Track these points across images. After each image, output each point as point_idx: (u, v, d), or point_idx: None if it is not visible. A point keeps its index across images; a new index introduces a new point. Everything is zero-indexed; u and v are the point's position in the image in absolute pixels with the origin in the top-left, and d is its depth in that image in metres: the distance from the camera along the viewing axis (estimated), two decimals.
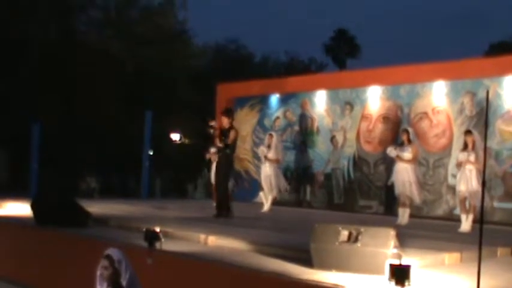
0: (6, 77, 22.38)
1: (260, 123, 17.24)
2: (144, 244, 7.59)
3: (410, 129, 11.99)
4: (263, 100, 17.27)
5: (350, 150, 15.15)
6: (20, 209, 12.61)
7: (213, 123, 12.39)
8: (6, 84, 22.24)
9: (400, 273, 5.60)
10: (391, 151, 11.59)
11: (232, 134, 11.50)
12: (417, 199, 11.65)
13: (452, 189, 11.90)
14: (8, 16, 22.70)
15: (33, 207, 10.76)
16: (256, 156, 16.00)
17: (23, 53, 23.00)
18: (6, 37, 22.33)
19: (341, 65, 40.23)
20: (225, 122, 11.64)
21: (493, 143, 12.38)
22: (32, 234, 10.23)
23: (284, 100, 16.84)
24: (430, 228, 10.85)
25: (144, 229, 7.87)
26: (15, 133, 21.73)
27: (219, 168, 11.70)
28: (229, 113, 12.01)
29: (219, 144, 11.58)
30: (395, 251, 6.28)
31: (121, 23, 26.20)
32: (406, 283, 5.58)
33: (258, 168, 15.31)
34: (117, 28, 26.09)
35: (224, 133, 11.54)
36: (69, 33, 24.93)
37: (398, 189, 11.57)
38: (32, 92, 22.75)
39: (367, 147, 14.86)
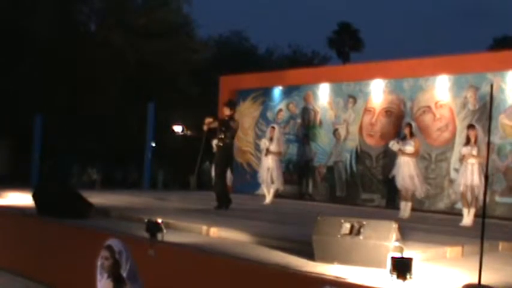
0: (9, 70, 22.36)
1: (263, 115, 17.20)
2: (146, 235, 7.59)
3: (413, 123, 11.97)
4: (266, 92, 17.23)
5: (352, 143, 15.13)
6: (22, 199, 12.61)
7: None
8: (8, 77, 22.22)
9: (401, 266, 5.58)
10: (394, 144, 11.59)
11: (234, 125, 11.43)
12: (420, 192, 11.67)
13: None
14: (10, 9, 22.66)
15: (34, 197, 10.73)
16: (258, 149, 15.96)
17: (24, 46, 22.96)
18: (8, 30, 22.29)
19: (344, 59, 40.19)
20: (227, 112, 11.55)
21: (496, 138, 12.36)
22: (34, 225, 10.22)
23: (287, 93, 16.80)
24: (431, 222, 10.86)
25: (146, 220, 7.87)
26: (18, 124, 21.73)
27: (218, 160, 11.64)
28: (231, 104, 11.90)
29: (220, 135, 11.49)
30: (397, 244, 6.28)
31: (123, 15, 26.12)
32: (408, 276, 5.56)
33: (260, 160, 15.28)
34: (120, 20, 26.02)
35: (225, 124, 11.47)
36: (71, 26, 24.87)
37: (399, 183, 11.57)
38: (34, 84, 22.74)
39: (369, 141, 14.84)
